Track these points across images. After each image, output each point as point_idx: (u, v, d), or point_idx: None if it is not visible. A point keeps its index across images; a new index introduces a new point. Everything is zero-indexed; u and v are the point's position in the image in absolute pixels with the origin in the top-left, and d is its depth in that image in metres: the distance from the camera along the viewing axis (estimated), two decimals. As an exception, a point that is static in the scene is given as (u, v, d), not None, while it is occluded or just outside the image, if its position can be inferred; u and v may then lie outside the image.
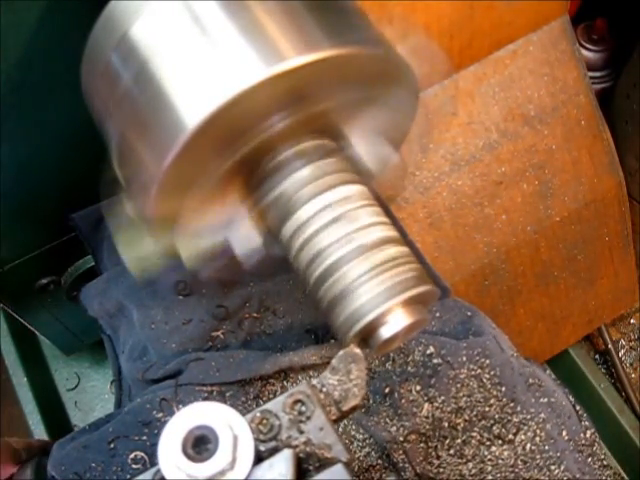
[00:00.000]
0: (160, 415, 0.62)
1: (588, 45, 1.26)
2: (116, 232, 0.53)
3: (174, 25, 0.45)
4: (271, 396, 0.64)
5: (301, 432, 0.42)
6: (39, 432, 1.25)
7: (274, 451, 0.40)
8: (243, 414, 0.61)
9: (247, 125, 0.45)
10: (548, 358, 1.34)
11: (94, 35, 0.48)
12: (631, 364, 1.46)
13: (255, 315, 0.69)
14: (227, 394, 0.64)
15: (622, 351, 1.47)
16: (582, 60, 1.13)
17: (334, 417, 0.44)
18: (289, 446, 0.41)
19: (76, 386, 1.40)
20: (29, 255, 0.90)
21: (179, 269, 0.54)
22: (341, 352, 0.46)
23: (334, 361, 0.45)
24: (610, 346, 1.40)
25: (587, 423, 0.72)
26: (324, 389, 0.44)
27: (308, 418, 0.42)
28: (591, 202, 1.18)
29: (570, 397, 0.73)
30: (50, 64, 0.66)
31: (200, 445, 0.38)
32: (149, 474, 0.40)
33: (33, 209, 0.84)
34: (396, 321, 0.47)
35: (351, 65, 0.46)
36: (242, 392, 0.64)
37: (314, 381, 0.44)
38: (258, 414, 0.42)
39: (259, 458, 0.39)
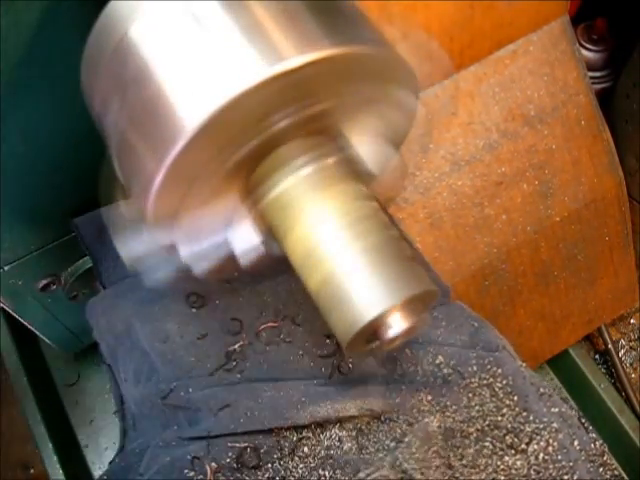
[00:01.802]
0: (192, 474, 0.60)
1: (588, 45, 1.26)
2: (117, 235, 0.53)
3: (174, 25, 0.45)
4: (306, 450, 0.63)
5: None
6: (39, 432, 1.25)
7: None
8: (279, 471, 0.60)
9: (247, 125, 0.45)
10: (548, 358, 1.34)
11: (94, 35, 0.48)
12: (631, 364, 1.45)
13: (272, 324, 0.69)
14: (261, 450, 0.62)
15: (622, 351, 1.47)
16: (582, 60, 1.13)
17: None
18: None
19: (75, 383, 1.40)
20: (29, 255, 0.90)
21: (189, 280, 0.53)
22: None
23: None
24: (610, 346, 1.40)
25: (594, 435, 0.71)
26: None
27: None
28: (591, 202, 1.18)
29: (575, 411, 0.73)
30: (50, 64, 0.66)
31: None
32: None
33: (33, 209, 0.84)
34: (396, 322, 0.47)
35: (352, 65, 0.46)
36: (277, 447, 0.62)
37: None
38: None
39: None
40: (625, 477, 1.27)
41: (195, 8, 0.44)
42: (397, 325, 0.47)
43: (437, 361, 0.66)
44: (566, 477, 0.64)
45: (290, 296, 0.70)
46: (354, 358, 0.67)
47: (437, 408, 0.64)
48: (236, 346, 0.67)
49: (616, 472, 0.71)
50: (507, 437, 0.64)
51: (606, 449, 0.70)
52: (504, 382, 0.66)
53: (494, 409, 0.65)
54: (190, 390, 0.65)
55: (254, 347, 0.68)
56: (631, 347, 1.48)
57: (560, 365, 1.40)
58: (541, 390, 0.70)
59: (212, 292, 0.68)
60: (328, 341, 0.68)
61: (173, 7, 0.45)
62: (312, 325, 0.69)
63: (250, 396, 0.64)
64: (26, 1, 0.59)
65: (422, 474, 0.61)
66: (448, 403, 0.64)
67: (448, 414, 0.64)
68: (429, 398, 0.64)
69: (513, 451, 0.64)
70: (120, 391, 0.74)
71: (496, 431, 0.64)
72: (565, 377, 1.42)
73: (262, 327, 0.68)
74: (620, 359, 1.42)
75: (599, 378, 1.37)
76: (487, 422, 0.64)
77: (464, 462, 0.62)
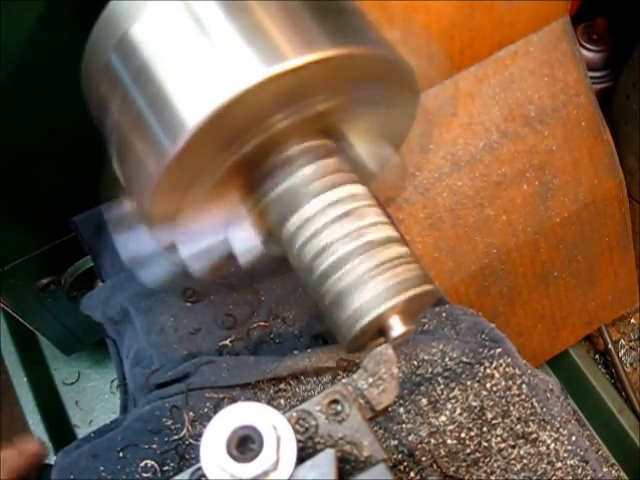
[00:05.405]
0: (170, 423, 0.61)
1: (588, 45, 1.26)
2: (116, 233, 0.53)
3: (174, 25, 0.45)
4: (282, 402, 0.63)
5: (337, 432, 0.42)
6: (39, 432, 1.25)
7: (311, 451, 0.40)
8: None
9: (247, 125, 0.46)
10: (548, 358, 1.34)
11: (94, 35, 0.48)
12: (631, 364, 1.45)
13: (263, 324, 0.69)
14: (238, 402, 0.63)
15: (622, 351, 1.47)
16: (582, 61, 1.13)
17: (368, 417, 0.44)
18: (326, 446, 0.41)
19: (75, 382, 1.40)
20: (29, 255, 0.90)
21: (186, 275, 0.53)
22: (372, 352, 0.46)
23: (365, 361, 0.45)
24: (610, 346, 1.40)
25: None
26: (357, 389, 0.44)
27: (344, 418, 0.42)
28: (591, 203, 1.18)
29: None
30: (50, 64, 0.66)
31: (244, 445, 0.37)
32: (187, 474, 0.40)
33: (33, 209, 0.84)
34: (396, 322, 0.47)
35: (351, 65, 0.46)
36: (254, 399, 0.63)
37: (344, 380, 0.44)
38: (294, 414, 0.42)
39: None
40: (625, 477, 1.27)
41: (195, 9, 0.45)
42: (398, 325, 0.47)
43: (438, 353, 0.66)
44: (580, 464, 0.63)
45: (285, 294, 0.70)
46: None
47: (443, 398, 0.63)
48: (227, 341, 0.67)
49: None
50: (518, 426, 0.64)
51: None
52: (510, 371, 0.65)
53: (503, 399, 0.64)
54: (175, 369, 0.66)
55: (245, 344, 0.68)
56: (631, 347, 1.48)
57: (560, 365, 1.40)
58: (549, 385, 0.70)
59: (208, 287, 0.69)
60: (315, 341, 0.69)
61: (173, 7, 0.45)
62: (302, 324, 0.69)
63: (234, 359, 0.65)
64: (26, 1, 0.59)
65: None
66: (457, 392, 0.63)
67: (456, 405, 0.63)
68: (439, 390, 0.63)
69: (524, 440, 0.64)
70: (123, 367, 0.75)
71: (507, 420, 0.64)
72: (565, 377, 1.42)
73: (253, 326, 0.69)
74: (620, 359, 1.41)
75: (599, 378, 1.37)
76: (495, 412, 0.64)
77: (477, 453, 0.62)
